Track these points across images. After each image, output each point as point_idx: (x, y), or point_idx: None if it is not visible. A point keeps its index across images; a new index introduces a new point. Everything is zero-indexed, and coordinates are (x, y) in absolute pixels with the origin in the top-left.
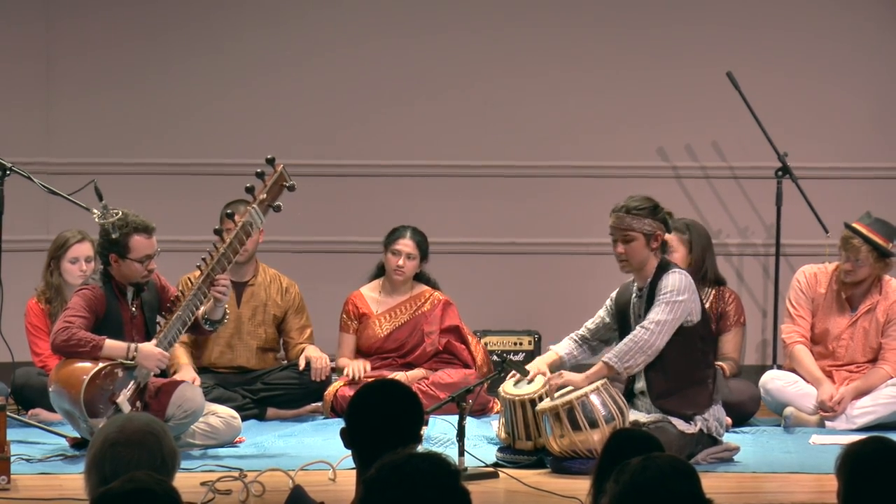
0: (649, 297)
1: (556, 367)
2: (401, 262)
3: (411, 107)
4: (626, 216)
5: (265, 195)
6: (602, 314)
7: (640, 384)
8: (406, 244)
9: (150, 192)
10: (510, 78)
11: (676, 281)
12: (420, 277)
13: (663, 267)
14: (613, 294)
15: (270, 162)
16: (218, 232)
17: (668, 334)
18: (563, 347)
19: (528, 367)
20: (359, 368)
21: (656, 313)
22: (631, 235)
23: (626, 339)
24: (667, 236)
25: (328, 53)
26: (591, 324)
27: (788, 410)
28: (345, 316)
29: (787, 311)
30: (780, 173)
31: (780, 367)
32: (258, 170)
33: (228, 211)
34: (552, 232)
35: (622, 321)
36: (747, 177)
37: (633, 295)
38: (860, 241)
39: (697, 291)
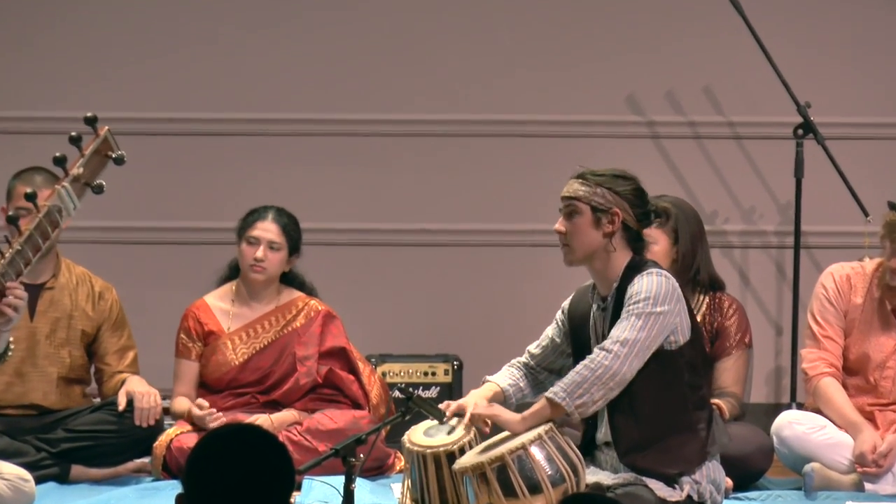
0: (615, 310)
1: (497, 402)
2: (260, 254)
3: (277, 46)
4: (576, 182)
5: (82, 169)
6: (550, 333)
7: (604, 432)
8: (268, 229)
9: None
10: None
11: (654, 285)
12: (290, 280)
13: (635, 267)
14: (566, 304)
15: (91, 123)
16: (12, 220)
17: (640, 359)
18: (504, 377)
19: (460, 401)
20: (216, 418)
21: (622, 329)
22: (575, 206)
23: (577, 367)
24: (647, 231)
25: None
26: (535, 347)
27: (812, 467)
28: (183, 336)
29: (811, 329)
30: (799, 132)
31: (800, 407)
32: (72, 132)
33: (29, 190)
34: (478, 215)
35: (578, 343)
36: (753, 136)
37: (594, 307)
38: None
39: (686, 300)
